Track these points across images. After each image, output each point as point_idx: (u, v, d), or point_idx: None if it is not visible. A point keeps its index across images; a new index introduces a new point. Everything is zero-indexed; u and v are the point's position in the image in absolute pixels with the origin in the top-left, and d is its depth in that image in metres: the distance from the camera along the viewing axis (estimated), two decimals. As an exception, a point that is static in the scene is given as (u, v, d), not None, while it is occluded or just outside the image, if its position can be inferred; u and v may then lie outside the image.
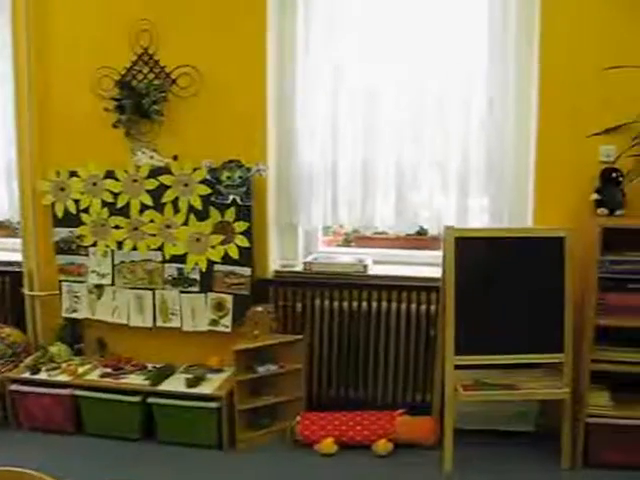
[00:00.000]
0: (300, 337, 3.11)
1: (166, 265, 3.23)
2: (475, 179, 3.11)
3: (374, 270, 3.27)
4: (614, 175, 2.89)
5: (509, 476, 2.77)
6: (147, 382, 3.06)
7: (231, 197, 3.11)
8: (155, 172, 3.17)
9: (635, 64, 2.79)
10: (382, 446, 2.92)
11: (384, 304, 3.15)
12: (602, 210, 2.88)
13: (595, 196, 2.91)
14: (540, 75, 2.97)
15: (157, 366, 3.20)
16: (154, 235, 3.21)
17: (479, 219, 3.14)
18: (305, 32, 3.11)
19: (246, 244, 3.14)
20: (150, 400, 2.99)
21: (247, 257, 3.15)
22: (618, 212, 2.87)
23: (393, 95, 3.12)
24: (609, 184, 2.90)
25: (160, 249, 3.22)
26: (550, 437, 2.94)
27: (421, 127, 3.12)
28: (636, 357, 2.77)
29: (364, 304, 3.17)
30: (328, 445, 2.92)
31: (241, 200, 3.11)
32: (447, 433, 2.74)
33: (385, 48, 3.09)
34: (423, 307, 3.14)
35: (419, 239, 3.48)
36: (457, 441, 2.74)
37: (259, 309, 3.08)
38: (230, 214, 3.13)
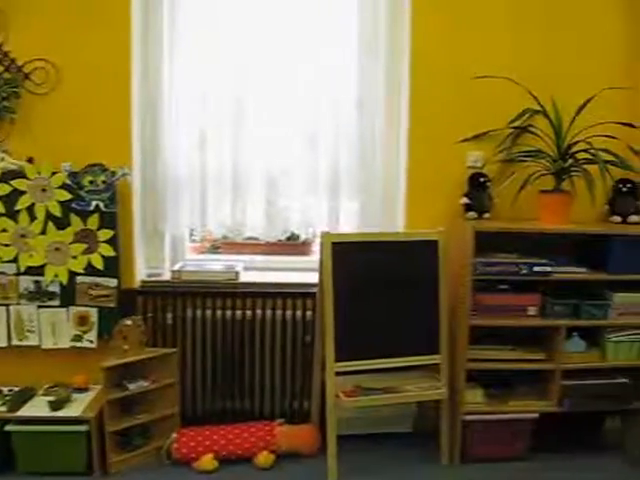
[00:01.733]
0: (172, 350, 3.18)
1: (21, 278, 3.18)
2: (346, 183, 3.33)
3: (245, 277, 3.41)
4: (482, 180, 3.25)
5: (392, 477, 3.02)
6: (4, 408, 3.00)
7: (94, 203, 3.13)
8: (7, 176, 3.11)
9: (502, 75, 3.16)
10: (264, 458, 3.07)
11: (258, 312, 3.30)
12: (471, 214, 3.21)
13: (464, 200, 3.24)
14: (410, 80, 3.24)
15: (15, 389, 3.15)
16: (7, 245, 3.15)
17: (350, 223, 3.37)
18: (170, 32, 3.18)
19: (111, 253, 3.17)
20: (8, 428, 2.93)
21: (112, 267, 3.18)
22: (486, 215, 3.22)
23: (261, 98, 3.27)
24: (477, 188, 3.25)
25: (14, 260, 3.17)
26: (428, 436, 3.25)
27: (291, 131, 3.30)
28: (507, 355, 3.15)
29: (237, 312, 3.30)
30: (208, 461, 3.02)
31: (105, 206, 3.14)
32: (330, 441, 2.92)
33: (253, 51, 3.23)
34: (298, 313, 3.32)
35: (290, 245, 3.67)
36: (339, 448, 2.94)
37: (128, 322, 3.11)
38: (93, 221, 3.15)
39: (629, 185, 3.34)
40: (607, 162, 3.04)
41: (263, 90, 3.27)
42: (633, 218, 3.33)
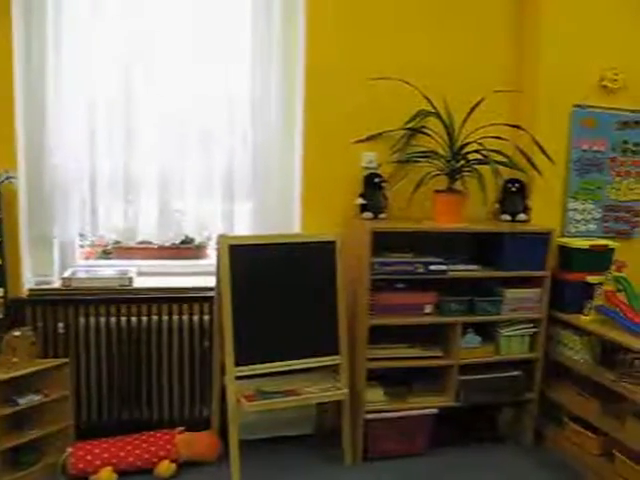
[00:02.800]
0: (65, 361, 3.18)
1: None
2: (240, 185, 3.44)
3: (140, 282, 3.46)
4: (377, 180, 3.45)
5: (296, 480, 3.16)
6: None
7: (-24, 209, 3.11)
8: None
9: (397, 76, 3.36)
10: (165, 468, 3.13)
11: (154, 318, 3.36)
12: (367, 214, 3.41)
13: (360, 200, 3.43)
14: (305, 81, 3.40)
15: None
16: None
17: (245, 225, 3.48)
18: (55, 31, 3.17)
19: (-4, 261, 3.12)
20: None
21: (-2, 276, 3.14)
22: (381, 215, 3.42)
23: (153, 99, 3.32)
24: (373, 189, 3.44)
25: None
26: (330, 437, 3.43)
27: (184, 132, 3.37)
28: (405, 353, 3.37)
29: (132, 319, 3.34)
30: (107, 475, 3.04)
31: (-12, 212, 3.09)
32: (232, 447, 3.02)
33: (144, 49, 3.27)
34: (195, 318, 3.40)
35: (185, 248, 3.74)
36: (241, 453, 3.04)
37: (16, 333, 3.09)
38: (-24, 228, 3.09)
39: (517, 185, 3.64)
40: (498, 162, 3.31)
41: (155, 91, 3.32)
42: (521, 217, 3.63)
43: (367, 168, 3.49)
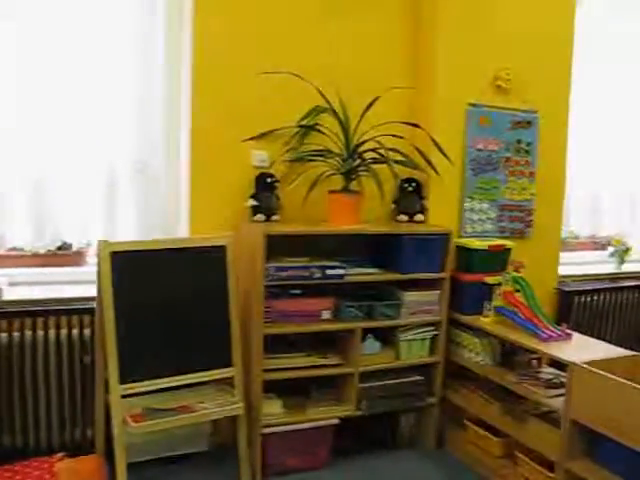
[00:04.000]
0: None
1: None
2: (123, 187, 3.34)
3: (11, 294, 3.29)
4: (269, 180, 3.44)
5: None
6: None
7: None
8: None
9: (290, 70, 3.38)
10: (43, 501, 3.03)
11: (27, 333, 3.18)
12: (259, 216, 3.38)
13: (251, 202, 3.41)
14: (192, 78, 3.33)
15: None
16: None
17: (129, 230, 3.38)
18: None
19: None
20: None
21: None
22: (275, 217, 3.41)
23: (27, 98, 3.19)
24: (265, 189, 3.42)
25: None
26: (226, 453, 3.38)
27: (62, 132, 3.25)
28: (303, 362, 3.37)
29: (2, 335, 3.16)
30: None
31: None
32: (119, 472, 2.88)
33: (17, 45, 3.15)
34: (75, 332, 3.25)
35: (62, 255, 3.56)
36: (130, 477, 2.93)
37: None
38: None
39: (414, 184, 3.75)
40: (397, 162, 3.39)
41: (30, 91, 3.19)
42: (419, 217, 3.74)
43: (258, 167, 3.47)
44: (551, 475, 2.99)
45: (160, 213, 3.42)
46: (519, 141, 3.96)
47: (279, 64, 3.38)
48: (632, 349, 3.22)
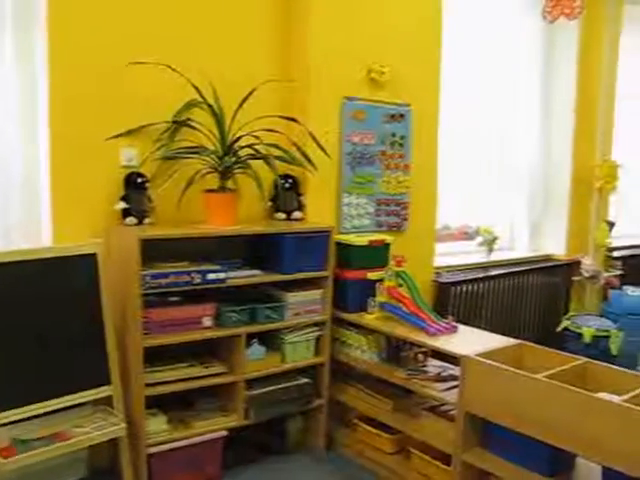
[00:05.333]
0: None
1: None
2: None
3: None
4: (140, 180, 3.26)
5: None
6: None
7: None
8: None
9: (160, 61, 3.22)
10: None
11: None
12: (130, 219, 3.20)
13: (121, 204, 3.22)
14: (49, 73, 3.07)
15: None
16: None
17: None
18: None
19: None
20: None
21: None
22: (147, 220, 3.25)
23: None
24: (135, 190, 3.24)
25: None
26: (107, 478, 3.21)
27: None
28: (186, 373, 3.25)
29: None
30: None
31: None
32: None
33: None
34: None
35: None
36: None
37: None
38: None
39: (290, 180, 3.71)
40: (277, 158, 3.33)
41: None
42: (297, 214, 3.71)
43: (127, 167, 3.28)
44: (447, 468, 3.06)
45: (17, 221, 3.14)
46: (393, 134, 4.03)
47: (148, 54, 3.21)
48: (504, 334, 3.37)
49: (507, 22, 5.08)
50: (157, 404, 3.17)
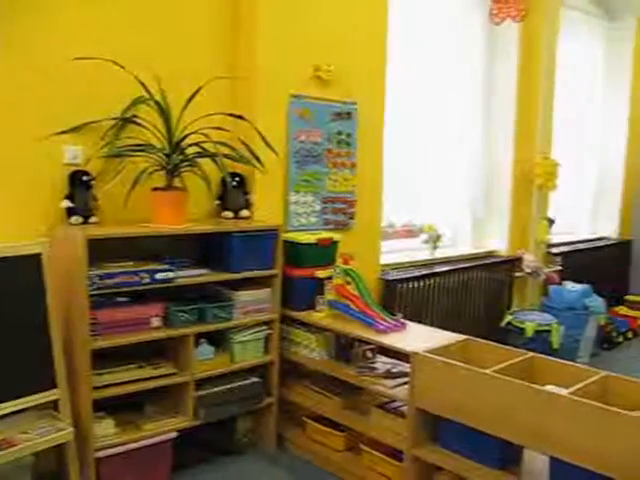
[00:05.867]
0: None
1: None
2: None
3: None
4: (85, 179, 3.20)
5: None
6: None
7: None
8: None
9: (106, 57, 3.17)
10: None
11: None
12: (75, 218, 3.16)
13: (66, 203, 3.17)
14: None
15: None
16: None
17: None
18: None
19: None
20: None
21: None
22: (93, 219, 3.21)
23: None
24: (80, 189, 3.19)
25: None
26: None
27: None
28: (135, 375, 3.22)
29: None
30: None
31: None
32: None
33: None
34: None
35: None
36: None
37: None
38: None
39: (238, 179, 3.72)
40: (226, 156, 3.33)
41: None
42: (244, 212, 3.72)
43: (72, 165, 3.23)
44: (398, 464, 3.12)
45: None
46: (340, 132, 4.09)
47: (93, 49, 3.17)
48: (450, 330, 3.46)
49: (451, 22, 5.20)
50: (105, 407, 3.13)
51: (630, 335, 6.49)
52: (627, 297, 7.05)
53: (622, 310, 6.81)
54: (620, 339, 6.29)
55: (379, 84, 4.31)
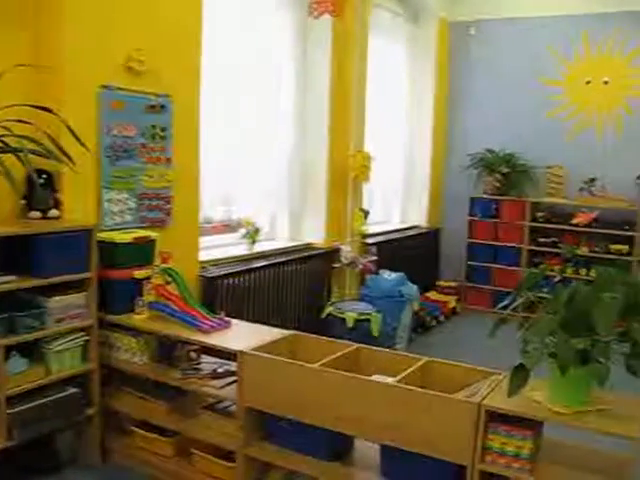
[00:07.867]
0: None
1: None
2: None
3: None
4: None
5: None
6: None
7: None
8: None
9: None
10: None
11: None
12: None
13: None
14: None
15: None
16: None
17: None
18: None
19: None
20: None
21: None
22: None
23: None
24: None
25: None
26: None
27: None
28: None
29: None
30: None
31: None
32: None
33: None
34: None
35: None
36: None
37: None
38: None
39: (45, 176, 3.56)
40: (32, 152, 3.17)
41: None
42: (54, 212, 3.56)
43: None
44: (231, 465, 3.17)
45: None
46: (154, 126, 4.05)
47: None
48: (272, 325, 3.58)
49: (268, 15, 5.29)
50: None
51: (442, 319, 7.01)
52: (438, 282, 7.59)
53: (433, 295, 7.33)
54: (433, 323, 6.78)
55: (194, 76, 4.31)
